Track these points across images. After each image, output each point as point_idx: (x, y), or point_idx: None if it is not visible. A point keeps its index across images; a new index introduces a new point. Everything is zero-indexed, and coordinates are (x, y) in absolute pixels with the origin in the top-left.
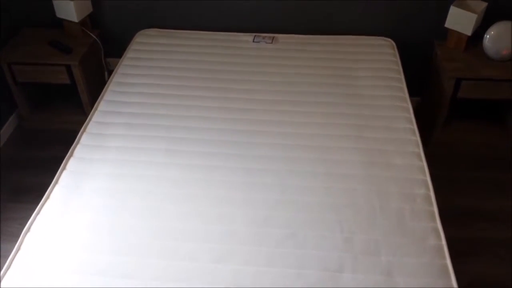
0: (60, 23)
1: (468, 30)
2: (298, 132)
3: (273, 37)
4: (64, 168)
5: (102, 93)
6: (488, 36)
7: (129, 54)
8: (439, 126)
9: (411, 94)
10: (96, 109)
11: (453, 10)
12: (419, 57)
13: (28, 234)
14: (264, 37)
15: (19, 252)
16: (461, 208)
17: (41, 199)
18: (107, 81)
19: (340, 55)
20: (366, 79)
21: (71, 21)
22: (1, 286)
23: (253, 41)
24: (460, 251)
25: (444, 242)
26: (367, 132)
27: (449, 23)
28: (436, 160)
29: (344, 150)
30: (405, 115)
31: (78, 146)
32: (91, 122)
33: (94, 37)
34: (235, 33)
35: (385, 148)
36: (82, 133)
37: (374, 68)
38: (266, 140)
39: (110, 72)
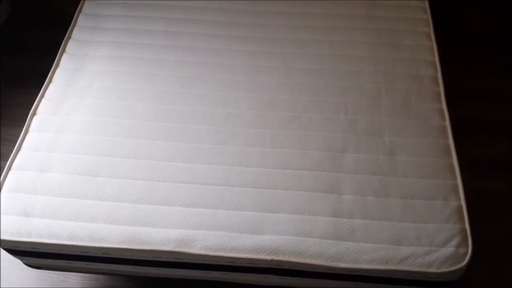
0: None
1: None
2: (304, 12)
3: None
4: (64, 51)
5: None
6: None
7: None
8: (452, 6)
9: None
10: None
11: None
12: None
13: (35, 116)
14: None
15: (28, 134)
16: (469, 90)
17: (43, 84)
18: None
19: None
20: None
21: None
22: (13, 168)
23: None
24: (463, 132)
25: (448, 122)
26: (377, 11)
27: None
28: (447, 40)
29: (352, 30)
30: None
31: (76, 28)
32: (86, 2)
33: None
34: None
35: (394, 28)
36: (79, 14)
37: None
38: (270, 21)
39: None
